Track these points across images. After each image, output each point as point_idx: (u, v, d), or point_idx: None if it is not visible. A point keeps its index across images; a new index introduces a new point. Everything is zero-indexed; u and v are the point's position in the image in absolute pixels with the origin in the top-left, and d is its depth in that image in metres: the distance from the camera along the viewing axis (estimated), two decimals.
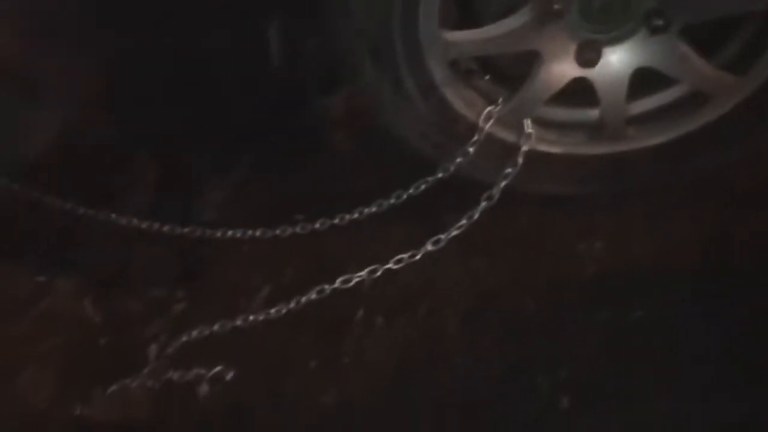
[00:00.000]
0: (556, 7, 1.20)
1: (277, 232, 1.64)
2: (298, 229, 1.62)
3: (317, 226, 1.60)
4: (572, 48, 1.27)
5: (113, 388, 1.60)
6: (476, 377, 1.33)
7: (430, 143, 1.38)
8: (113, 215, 1.76)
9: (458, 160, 1.36)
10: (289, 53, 1.43)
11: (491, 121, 1.33)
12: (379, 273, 1.45)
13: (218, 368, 1.51)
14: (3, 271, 1.81)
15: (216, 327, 1.57)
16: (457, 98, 1.32)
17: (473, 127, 1.34)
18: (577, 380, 1.32)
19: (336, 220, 1.56)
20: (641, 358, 1.34)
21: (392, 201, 1.48)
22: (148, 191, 1.91)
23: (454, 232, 1.42)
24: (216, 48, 1.50)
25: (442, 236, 1.43)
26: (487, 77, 1.36)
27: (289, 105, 1.59)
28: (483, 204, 1.40)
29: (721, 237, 1.48)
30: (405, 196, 1.46)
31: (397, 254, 1.46)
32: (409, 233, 1.48)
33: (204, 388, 1.49)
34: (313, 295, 1.47)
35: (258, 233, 1.66)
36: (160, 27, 1.51)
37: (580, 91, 1.35)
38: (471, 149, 1.34)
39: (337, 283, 1.46)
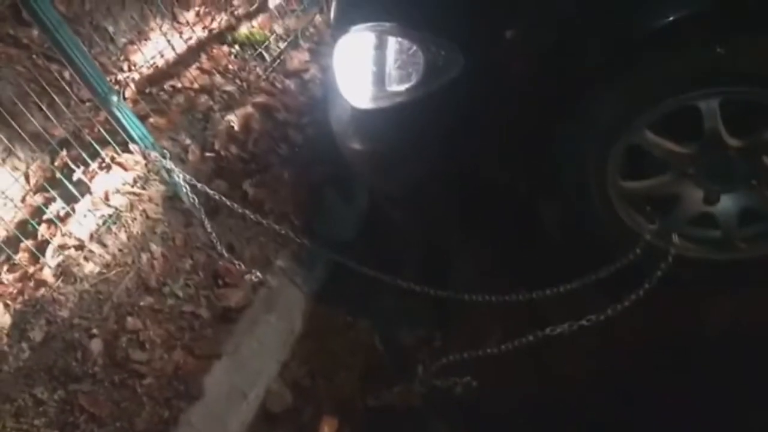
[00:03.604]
0: (690, 171, 2.02)
1: (506, 297, 2.48)
2: (519, 297, 2.44)
3: (533, 295, 2.41)
4: (700, 194, 2.07)
5: (396, 389, 2.50)
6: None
7: (613, 247, 2.20)
8: (399, 280, 2.68)
9: (630, 257, 2.16)
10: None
11: (649, 235, 2.14)
12: (575, 327, 2.23)
13: (467, 378, 2.37)
14: (330, 312, 2.80)
15: (465, 355, 2.43)
16: (629, 219, 2.15)
17: (639, 236, 2.15)
18: None
19: (547, 291, 2.37)
20: None
21: (587, 280, 2.26)
22: (419, 265, 2.85)
23: (627, 303, 2.19)
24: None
25: (619, 305, 2.20)
26: (648, 207, 2.17)
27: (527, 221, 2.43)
28: (645, 286, 2.18)
29: None
30: (594, 278, 2.25)
31: (587, 315, 2.24)
32: (595, 301, 2.26)
33: (458, 389, 2.35)
34: (530, 338, 2.28)
35: (493, 298, 2.51)
36: None
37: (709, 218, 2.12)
38: (638, 251, 2.14)
39: (547, 331, 2.26)
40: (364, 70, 2.13)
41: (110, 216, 2.54)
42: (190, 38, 3.18)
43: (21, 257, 2.55)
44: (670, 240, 2.12)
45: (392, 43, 2.02)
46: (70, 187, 2.51)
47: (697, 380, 2.01)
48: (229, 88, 3.08)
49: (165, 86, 3.26)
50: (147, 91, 3.25)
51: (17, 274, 2.54)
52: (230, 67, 3.10)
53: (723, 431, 1.92)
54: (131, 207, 2.57)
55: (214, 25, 3.27)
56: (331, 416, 2.35)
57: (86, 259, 2.62)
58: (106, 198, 2.70)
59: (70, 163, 2.75)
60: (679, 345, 2.12)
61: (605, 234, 2.15)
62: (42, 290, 2.50)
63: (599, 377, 2.16)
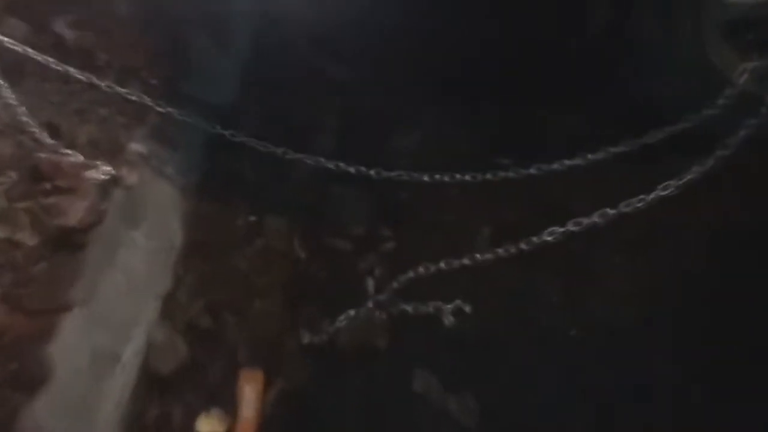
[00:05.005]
0: None
1: (488, 176, 1.73)
2: (510, 174, 1.71)
3: (532, 171, 1.68)
4: None
5: (341, 318, 1.73)
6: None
7: (681, 94, 1.48)
8: (321, 159, 1.85)
9: (706, 112, 1.46)
10: None
11: (745, 76, 1.43)
12: (610, 216, 1.54)
13: (456, 302, 1.64)
14: (223, 213, 1.92)
15: (442, 264, 1.69)
16: (720, 57, 1.43)
17: (725, 82, 1.44)
18: None
19: (555, 165, 1.65)
20: None
21: (621, 148, 1.56)
22: (341, 136, 2.02)
23: (688, 177, 1.51)
24: None
25: (673, 182, 1.52)
26: (750, 37, 1.45)
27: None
28: (718, 152, 1.50)
29: None
30: (637, 144, 1.54)
31: (626, 198, 1.54)
32: (638, 179, 1.56)
33: (448, 319, 1.61)
34: (546, 237, 1.57)
35: (467, 177, 1.76)
36: None
37: None
38: (722, 101, 1.44)
39: (569, 226, 1.56)
40: None
41: None
42: None
43: None
44: None
45: None
46: None
47: None
48: None
49: None
50: None
51: None
52: None
53: None
54: None
55: None
56: (252, 367, 1.69)
57: None
58: None
59: None
60: None
61: (684, 82, 1.42)
62: None
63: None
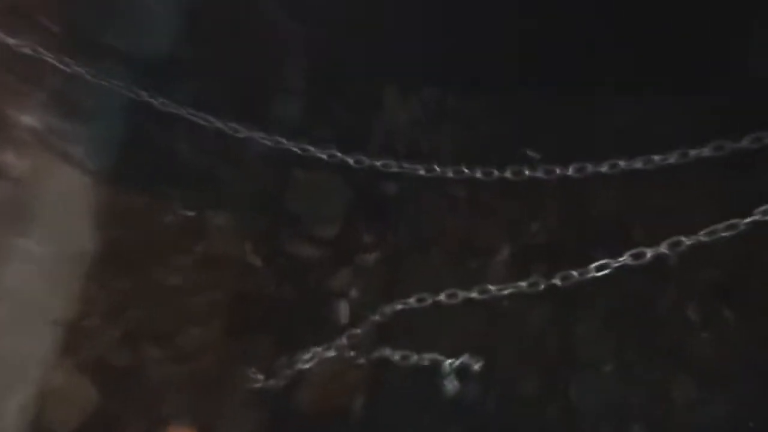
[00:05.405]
0: None
1: (508, 174, 1.30)
2: (539, 174, 1.28)
3: (570, 172, 1.25)
4: None
5: (305, 356, 1.35)
6: None
7: None
8: (282, 140, 1.44)
9: None
10: None
11: None
12: (683, 246, 1.11)
13: (464, 357, 1.22)
14: (149, 208, 1.49)
15: (442, 297, 1.27)
16: None
17: None
18: None
19: (604, 168, 1.22)
20: None
21: (705, 151, 1.13)
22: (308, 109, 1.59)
23: None
24: None
25: None
26: None
27: None
28: None
29: None
30: (731, 149, 1.12)
31: (709, 222, 1.11)
32: (727, 197, 1.14)
33: (452, 383, 1.19)
34: (594, 272, 1.14)
35: (478, 174, 1.32)
36: None
37: None
38: None
39: (626, 258, 1.13)
40: None
41: None
42: None
43: None
44: None
45: None
46: None
47: None
48: None
49: None
50: None
51: None
52: None
53: None
54: None
55: None
56: (182, 421, 1.35)
57: None
58: None
59: None
60: None
61: None
62: None
63: None
